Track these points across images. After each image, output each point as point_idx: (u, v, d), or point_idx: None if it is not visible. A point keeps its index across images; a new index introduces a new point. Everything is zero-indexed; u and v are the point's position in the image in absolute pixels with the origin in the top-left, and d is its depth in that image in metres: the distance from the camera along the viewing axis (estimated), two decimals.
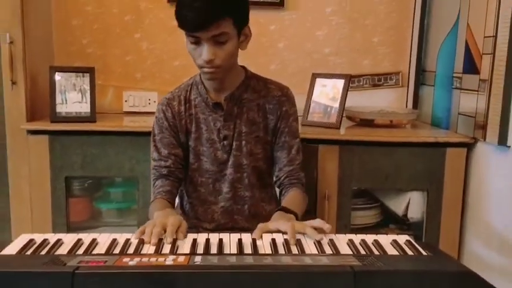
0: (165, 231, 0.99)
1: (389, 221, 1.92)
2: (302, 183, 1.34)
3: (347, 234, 1.04)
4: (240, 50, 1.24)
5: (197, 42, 1.16)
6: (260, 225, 1.06)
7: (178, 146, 1.30)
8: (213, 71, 1.19)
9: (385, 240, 1.00)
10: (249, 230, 1.06)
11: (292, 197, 1.28)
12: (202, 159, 1.31)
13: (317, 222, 1.04)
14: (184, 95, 1.32)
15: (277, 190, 1.41)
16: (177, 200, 1.43)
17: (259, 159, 1.33)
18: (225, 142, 1.30)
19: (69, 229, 1.76)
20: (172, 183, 1.29)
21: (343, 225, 1.72)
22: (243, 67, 1.34)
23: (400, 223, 1.89)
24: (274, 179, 1.36)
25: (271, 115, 1.32)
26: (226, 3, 1.14)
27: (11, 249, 0.93)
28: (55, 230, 1.71)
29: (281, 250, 0.95)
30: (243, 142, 1.30)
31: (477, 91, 1.64)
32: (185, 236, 1.01)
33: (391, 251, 0.96)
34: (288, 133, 1.33)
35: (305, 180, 1.37)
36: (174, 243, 0.97)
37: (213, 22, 1.12)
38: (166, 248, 0.96)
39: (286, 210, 1.18)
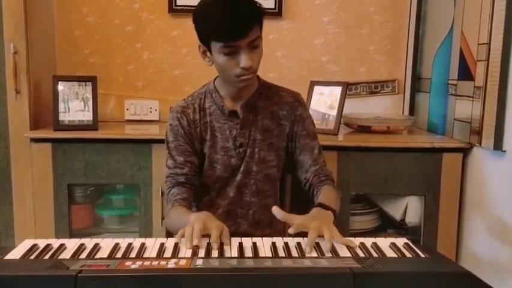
0: (207, 235, 1.01)
1: (388, 226, 1.93)
2: (332, 180, 1.33)
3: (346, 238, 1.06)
4: None
5: (232, 52, 1.15)
6: (299, 224, 1.03)
7: (193, 153, 1.29)
8: (251, 76, 1.20)
9: (384, 243, 1.02)
10: (251, 236, 1.07)
11: (327, 194, 1.25)
12: (216, 167, 1.31)
13: (345, 240, 1.02)
14: (199, 103, 1.31)
15: (307, 192, 1.36)
16: None
17: (273, 166, 1.33)
18: (240, 149, 1.30)
19: (72, 236, 1.77)
20: (189, 191, 1.28)
21: (342, 231, 1.73)
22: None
23: (398, 228, 1.91)
24: (303, 181, 1.34)
25: (285, 121, 1.33)
26: (255, 9, 1.17)
27: (15, 254, 0.94)
28: (57, 237, 1.70)
29: (281, 253, 0.97)
30: (256, 149, 1.30)
31: (472, 97, 1.66)
32: (230, 241, 1.02)
33: (390, 253, 0.97)
34: (307, 136, 1.33)
35: (333, 177, 1.34)
36: (175, 247, 0.99)
37: (251, 28, 1.13)
38: (168, 252, 0.97)
39: (324, 206, 1.16)
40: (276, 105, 1.32)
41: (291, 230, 1.02)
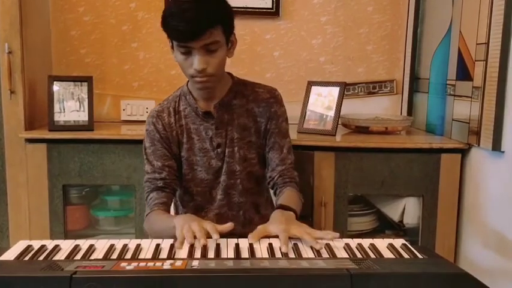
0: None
1: (386, 227, 1.92)
2: (296, 182, 1.34)
3: (343, 239, 1.05)
4: (227, 57, 1.25)
5: (188, 52, 1.17)
6: (259, 228, 1.07)
7: (171, 157, 1.29)
8: (205, 79, 1.20)
9: (381, 244, 1.01)
10: (245, 236, 1.06)
11: (289, 195, 1.27)
12: (197, 169, 1.31)
13: (320, 233, 1.03)
14: (174, 106, 1.32)
15: (271, 191, 1.40)
16: (172, 210, 1.43)
17: (254, 164, 1.33)
18: (218, 150, 1.30)
19: (67, 237, 1.75)
20: (168, 195, 1.28)
21: (340, 232, 1.72)
22: (229, 74, 1.34)
23: (396, 229, 1.90)
24: (268, 179, 1.36)
25: (261, 118, 1.33)
26: (216, 12, 1.16)
27: (9, 255, 0.94)
28: (52, 238, 1.68)
29: (278, 254, 0.96)
30: (236, 148, 1.30)
31: (470, 97, 1.66)
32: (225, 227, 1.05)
33: (387, 254, 0.97)
34: (278, 134, 1.33)
35: (298, 180, 1.36)
36: (171, 248, 0.98)
37: (205, 31, 1.13)
38: (164, 253, 0.96)
39: (285, 207, 1.18)
40: (252, 102, 1.32)
41: (251, 238, 1.02)
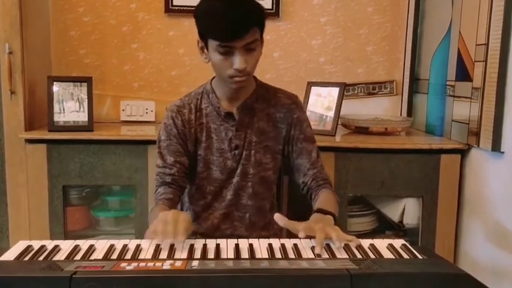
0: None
1: (385, 228, 1.92)
2: (330, 183, 1.33)
3: None
4: None
5: (228, 52, 1.15)
6: (304, 226, 1.03)
7: (184, 154, 1.28)
8: (244, 79, 1.19)
9: (381, 244, 1.01)
10: (247, 238, 1.06)
11: (325, 198, 1.25)
12: (212, 168, 1.30)
13: (349, 237, 1.03)
14: (195, 104, 1.30)
15: (304, 195, 1.37)
16: (178, 207, 1.43)
17: (268, 169, 1.32)
18: (236, 152, 1.29)
19: (67, 238, 1.75)
20: (175, 192, 1.27)
21: None
22: (253, 76, 1.32)
23: (395, 229, 1.90)
24: (301, 185, 1.34)
25: (281, 124, 1.32)
26: (255, 12, 1.16)
27: (9, 255, 0.93)
28: (52, 239, 1.67)
29: (278, 254, 0.96)
30: (252, 151, 1.29)
31: (470, 98, 1.66)
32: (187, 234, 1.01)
33: (387, 254, 0.96)
34: (304, 139, 1.32)
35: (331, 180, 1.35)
36: (171, 247, 0.98)
37: (249, 30, 1.13)
38: (164, 254, 0.96)
39: (323, 211, 1.16)
40: (272, 107, 1.32)
41: (301, 235, 1.01)
